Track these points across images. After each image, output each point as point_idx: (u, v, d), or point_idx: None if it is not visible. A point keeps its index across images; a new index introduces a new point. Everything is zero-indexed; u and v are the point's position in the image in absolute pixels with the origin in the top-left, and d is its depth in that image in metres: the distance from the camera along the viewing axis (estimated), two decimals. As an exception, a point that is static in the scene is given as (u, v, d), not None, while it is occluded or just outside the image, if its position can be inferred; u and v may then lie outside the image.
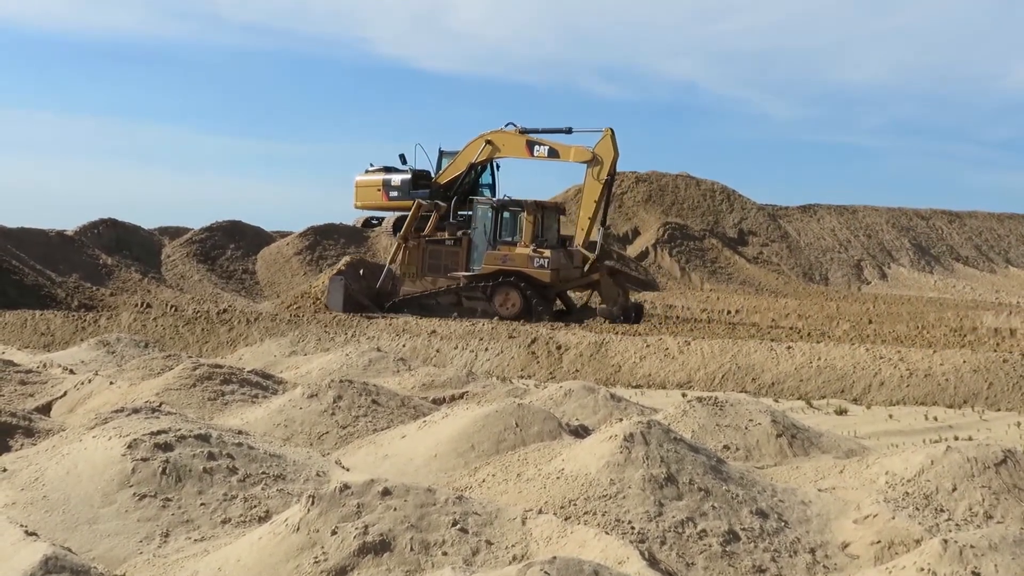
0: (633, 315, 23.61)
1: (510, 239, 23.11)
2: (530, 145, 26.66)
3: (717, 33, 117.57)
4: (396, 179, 26.36)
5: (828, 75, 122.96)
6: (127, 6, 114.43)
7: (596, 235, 25.12)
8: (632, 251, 42.83)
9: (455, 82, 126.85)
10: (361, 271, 25.23)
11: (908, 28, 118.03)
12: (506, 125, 26.99)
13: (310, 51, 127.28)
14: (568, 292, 24.94)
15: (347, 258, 27.95)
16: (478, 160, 25.88)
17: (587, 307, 24.56)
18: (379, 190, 26.07)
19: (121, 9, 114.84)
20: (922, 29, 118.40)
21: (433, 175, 26.58)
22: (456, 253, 23.52)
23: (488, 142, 26.54)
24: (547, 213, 23.89)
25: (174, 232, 38.52)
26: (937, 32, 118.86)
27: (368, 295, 24.13)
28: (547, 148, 26.66)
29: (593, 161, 26.15)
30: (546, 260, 22.58)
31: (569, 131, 26.93)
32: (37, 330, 18.90)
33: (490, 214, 23.30)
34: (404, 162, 26.86)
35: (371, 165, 27.12)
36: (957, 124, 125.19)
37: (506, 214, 23.33)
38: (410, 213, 24.07)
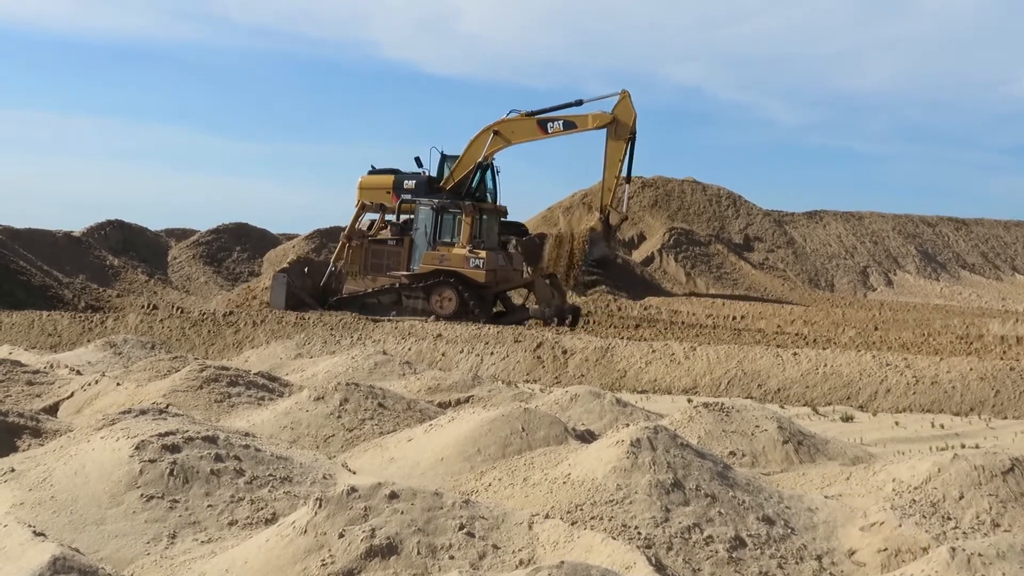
0: (569, 318, 23.80)
1: (449, 240, 23.34)
2: (542, 124, 27.00)
3: (724, 38, 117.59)
4: (410, 181, 26.52)
5: (835, 81, 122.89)
6: (136, 8, 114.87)
7: (623, 194, 26.30)
8: (638, 256, 42.80)
9: (461, 85, 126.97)
10: (306, 269, 25.47)
11: (915, 34, 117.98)
12: (509, 113, 27.21)
13: (318, 54, 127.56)
14: (508, 293, 25.14)
15: (293, 256, 28.12)
16: (488, 153, 26.07)
17: (524, 308, 24.76)
18: (388, 192, 26.14)
19: (130, 11, 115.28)
20: (929, 35, 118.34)
21: (440, 180, 26.60)
22: (398, 253, 23.75)
23: (496, 133, 26.61)
24: (487, 215, 24.16)
25: (180, 234, 38.64)
26: (944, 38, 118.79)
27: (312, 293, 24.32)
28: (562, 122, 26.97)
29: (613, 123, 26.64)
30: (481, 261, 22.83)
31: (579, 103, 27.25)
32: (44, 331, 18.95)
33: (431, 215, 23.56)
34: (420, 165, 26.96)
35: (373, 167, 27.15)
36: (964, 130, 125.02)
37: (446, 215, 23.58)
38: (354, 213, 24.34)
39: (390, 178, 26.87)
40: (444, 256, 23.00)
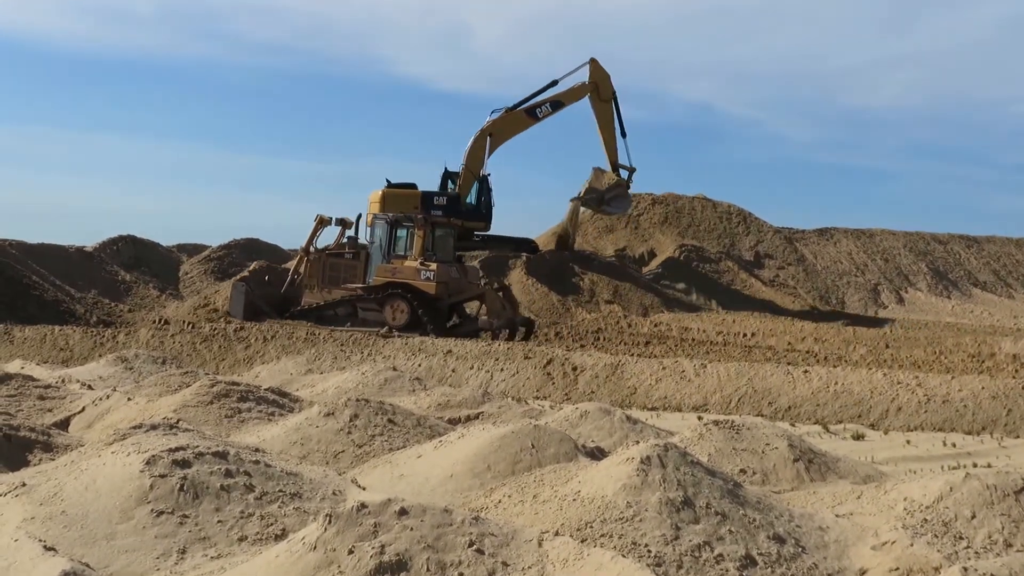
0: (522, 331, 24.18)
1: (403, 253, 23.78)
2: (530, 112, 29.11)
3: (735, 55, 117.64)
4: (440, 198, 27.39)
5: (845, 98, 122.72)
6: (151, 26, 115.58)
7: (624, 153, 29.84)
8: (648, 272, 42.76)
9: (474, 103, 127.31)
10: (267, 277, 25.80)
11: (925, 52, 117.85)
12: (492, 113, 28.82)
13: (330, 71, 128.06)
14: (464, 305, 25.44)
15: (255, 264, 28.43)
16: (490, 153, 27.40)
17: (474, 319, 25.00)
18: (416, 207, 26.80)
19: (144, 29, 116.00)
20: (939, 53, 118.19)
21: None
22: (354, 266, 24.28)
23: (491, 135, 27.98)
24: (440, 229, 24.65)
25: (192, 249, 38.84)
26: (955, 55, 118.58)
27: (272, 301, 24.72)
28: (548, 104, 29.41)
29: (594, 89, 29.19)
30: (432, 273, 23.22)
31: (555, 83, 29.54)
32: (56, 345, 19.03)
33: (386, 229, 24.06)
34: (453, 181, 27.84)
35: (388, 181, 27.53)
36: (975, 148, 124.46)
37: (400, 229, 24.07)
38: (312, 227, 24.87)
39: (418, 193, 27.72)
40: (396, 269, 23.50)
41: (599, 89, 29.85)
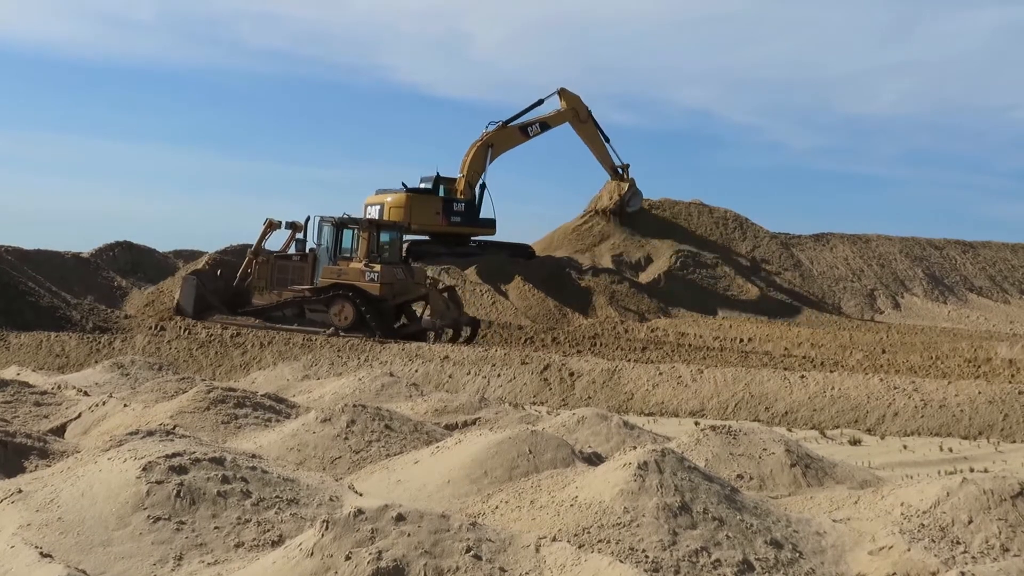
0: (467, 331, 24.36)
1: (349, 255, 23.96)
2: (523, 130, 31.97)
3: (734, 62, 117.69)
4: (460, 204, 28.11)
5: (844, 105, 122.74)
6: (152, 32, 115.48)
7: (613, 155, 34.48)
8: (644, 278, 42.77)
9: (473, 109, 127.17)
10: (219, 272, 25.98)
11: (924, 59, 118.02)
12: (488, 125, 31.06)
13: (331, 77, 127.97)
14: (413, 306, 25.61)
15: (207, 257, 28.57)
16: (489, 164, 28.83)
17: (418, 319, 25.18)
18: (438, 213, 27.41)
19: (145, 35, 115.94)
20: (937, 60, 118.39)
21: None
22: (302, 268, 24.47)
23: (491, 146, 29.75)
24: (386, 231, 24.93)
25: (188, 255, 38.79)
26: (952, 63, 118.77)
27: (224, 296, 24.92)
28: (538, 124, 32.71)
29: (573, 115, 33.05)
30: (376, 274, 23.36)
31: (541, 102, 32.93)
32: (52, 352, 19.00)
33: (332, 231, 24.28)
34: (446, 185, 28.71)
35: (404, 184, 28.06)
36: (972, 154, 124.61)
37: (346, 232, 24.31)
38: (262, 230, 25.16)
39: (439, 200, 28.56)
40: (342, 270, 23.67)
41: (577, 113, 33.04)
